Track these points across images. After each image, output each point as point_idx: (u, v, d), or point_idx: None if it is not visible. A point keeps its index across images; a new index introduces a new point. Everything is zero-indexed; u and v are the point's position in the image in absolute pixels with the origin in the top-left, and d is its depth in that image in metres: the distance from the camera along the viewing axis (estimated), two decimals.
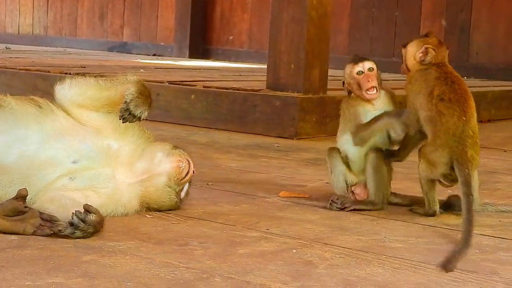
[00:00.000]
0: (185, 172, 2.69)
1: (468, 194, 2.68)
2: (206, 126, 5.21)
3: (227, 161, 3.98)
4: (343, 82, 3.11)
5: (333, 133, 5.12)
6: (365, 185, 3.03)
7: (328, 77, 5.36)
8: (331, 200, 2.97)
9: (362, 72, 3.01)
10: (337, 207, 2.94)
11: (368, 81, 2.99)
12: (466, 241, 2.42)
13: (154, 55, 11.17)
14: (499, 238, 2.65)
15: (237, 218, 2.75)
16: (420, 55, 2.99)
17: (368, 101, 3.01)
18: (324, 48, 5.16)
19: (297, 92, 5.04)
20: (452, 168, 2.81)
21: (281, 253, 2.33)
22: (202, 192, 3.14)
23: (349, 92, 3.10)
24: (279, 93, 5.07)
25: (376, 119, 2.97)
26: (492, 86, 7.63)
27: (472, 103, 2.91)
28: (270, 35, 5.17)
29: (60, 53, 10.17)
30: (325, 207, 2.98)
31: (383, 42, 10.12)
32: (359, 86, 3.01)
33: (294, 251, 2.35)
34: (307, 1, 4.99)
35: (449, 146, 2.82)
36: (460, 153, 2.81)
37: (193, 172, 2.75)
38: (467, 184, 2.73)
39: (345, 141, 3.06)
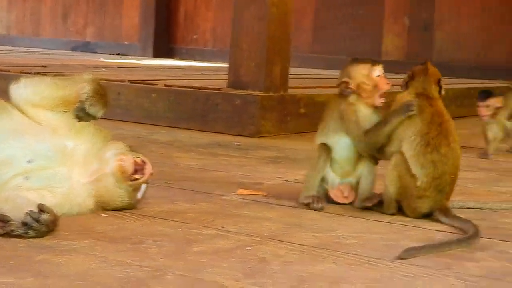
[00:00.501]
0: (129, 171, 2.67)
1: (469, 225, 2.68)
2: (168, 125, 5.20)
3: (187, 159, 3.98)
4: (344, 82, 3.00)
5: (293, 131, 5.18)
6: (351, 186, 3.03)
7: (290, 75, 5.37)
8: (316, 200, 2.95)
9: (379, 75, 2.99)
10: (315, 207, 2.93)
11: (387, 83, 2.98)
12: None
13: (118, 54, 11.13)
14: (454, 234, 2.67)
15: (193, 216, 2.75)
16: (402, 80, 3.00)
17: (371, 104, 2.99)
18: (285, 46, 5.17)
19: (258, 91, 5.05)
20: None
21: (235, 250, 2.33)
22: (160, 191, 3.13)
23: (342, 93, 3.03)
24: (240, 91, 5.07)
25: (384, 121, 2.92)
26: (454, 84, 7.69)
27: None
28: (231, 33, 5.17)
29: (23, 52, 10.11)
30: (282, 205, 2.99)
31: (347, 41, 10.16)
32: (376, 88, 2.97)
33: (249, 248, 2.36)
34: None
35: (434, 200, 2.83)
36: (441, 203, 2.84)
37: (151, 173, 2.73)
38: (456, 219, 2.77)
39: (335, 142, 3.02)
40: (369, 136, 2.92)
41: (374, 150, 2.95)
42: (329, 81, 6.93)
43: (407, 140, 2.84)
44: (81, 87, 2.69)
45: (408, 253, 2.31)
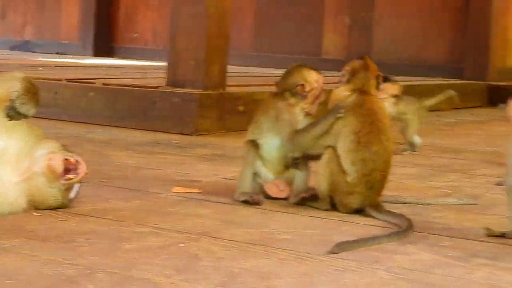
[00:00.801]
0: (59, 171, 2.65)
1: (402, 219, 2.71)
2: (106, 123, 5.17)
3: (123, 158, 3.96)
4: (301, 85, 3.03)
5: (232, 129, 5.19)
6: (286, 181, 3.05)
7: (230, 73, 5.37)
8: (248, 196, 2.96)
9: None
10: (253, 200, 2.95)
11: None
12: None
13: (58, 53, 11.03)
14: (387, 228, 2.70)
15: (127, 214, 2.74)
16: (340, 76, 2.97)
17: (307, 109, 3.03)
18: (223, 44, 5.18)
19: (196, 89, 5.04)
20: None
21: (167, 247, 2.33)
22: (95, 189, 3.12)
23: (277, 93, 3.07)
24: (178, 89, 5.07)
25: (313, 124, 2.96)
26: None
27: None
28: (169, 31, 5.17)
29: None
30: (217, 202, 3.00)
31: (287, 39, 10.20)
32: (318, 95, 3.05)
33: (181, 245, 2.36)
34: None
35: (365, 196, 2.85)
36: (372, 199, 2.87)
37: (85, 173, 2.71)
38: (389, 214, 2.80)
39: (267, 141, 3.04)
40: (298, 136, 2.96)
41: (301, 151, 2.98)
42: (268, 79, 6.96)
43: (341, 136, 2.87)
44: (11, 85, 2.67)
45: (339, 248, 2.33)
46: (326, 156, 2.88)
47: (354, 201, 2.86)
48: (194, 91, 4.99)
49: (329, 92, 3.04)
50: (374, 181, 2.84)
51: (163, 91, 5.06)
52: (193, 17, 5.05)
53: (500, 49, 9.42)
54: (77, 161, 2.70)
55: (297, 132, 2.97)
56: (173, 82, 5.14)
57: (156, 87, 5.14)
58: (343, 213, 2.87)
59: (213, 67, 5.10)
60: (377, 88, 2.98)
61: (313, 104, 3.05)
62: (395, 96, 4.47)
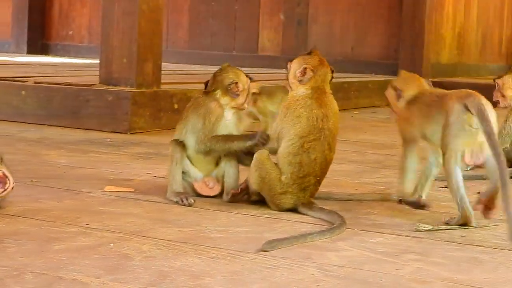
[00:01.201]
0: None
1: (334, 216, 2.73)
2: (38, 122, 5.10)
3: (55, 157, 3.91)
4: (235, 82, 3.05)
5: (167, 127, 5.16)
6: (216, 178, 3.05)
7: (166, 70, 5.34)
8: (184, 197, 2.95)
9: None
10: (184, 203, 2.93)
11: None
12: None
13: None
14: (318, 225, 2.71)
15: (58, 214, 2.71)
16: (298, 74, 2.91)
17: (238, 109, 3.06)
18: (157, 41, 5.14)
19: (130, 87, 5.01)
20: None
21: (98, 247, 2.31)
22: (26, 189, 3.08)
23: (208, 92, 3.09)
24: (112, 87, 5.03)
25: (232, 139, 3.00)
26: None
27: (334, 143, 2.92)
28: (102, 29, 5.12)
29: None
30: (149, 200, 2.98)
31: (223, 36, 10.19)
32: (247, 96, 3.11)
33: (112, 245, 2.34)
34: None
35: (297, 196, 2.86)
36: (305, 200, 2.88)
37: (12, 188, 2.68)
38: (321, 211, 2.81)
39: (190, 139, 3.04)
40: (213, 142, 2.97)
41: (207, 153, 3.00)
42: (204, 76, 6.94)
43: (287, 137, 2.87)
44: None
45: (270, 245, 2.34)
46: (257, 158, 2.89)
47: (287, 201, 2.86)
48: (128, 89, 4.95)
49: (280, 88, 3.05)
50: (308, 184, 2.86)
51: (97, 89, 5.01)
52: (125, 15, 5.00)
53: (434, 45, 9.54)
54: (4, 174, 2.66)
55: (213, 137, 2.97)
56: (106, 80, 5.10)
57: (90, 85, 5.09)
58: (275, 211, 2.88)
59: (147, 64, 5.07)
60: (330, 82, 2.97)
61: (244, 104, 3.06)
62: (254, 93, 4.44)
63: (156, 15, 5.09)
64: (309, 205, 2.86)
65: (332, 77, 2.97)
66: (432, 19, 9.31)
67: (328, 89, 2.94)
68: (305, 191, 2.86)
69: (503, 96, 4.04)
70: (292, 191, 2.85)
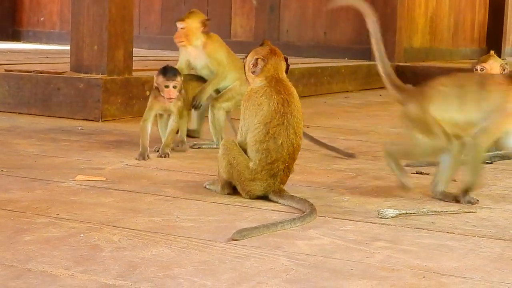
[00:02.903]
0: None
1: (305, 204, 2.74)
2: (9, 110, 5.07)
3: (26, 146, 3.89)
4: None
5: (139, 114, 5.12)
6: None
7: (138, 57, 5.31)
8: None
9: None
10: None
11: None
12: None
13: None
14: (289, 213, 2.71)
15: (27, 204, 2.69)
16: (251, 66, 2.93)
17: None
18: (128, 28, 5.11)
19: (101, 74, 4.98)
20: None
21: (67, 238, 2.30)
22: None
23: None
24: (83, 75, 4.99)
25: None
26: (301, 63, 7.80)
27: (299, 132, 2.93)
28: (71, 16, 5.08)
29: None
30: (120, 189, 2.97)
31: None
32: None
33: (82, 235, 2.33)
34: None
35: (267, 183, 2.86)
36: (275, 187, 2.88)
37: None
38: (292, 199, 2.81)
39: None
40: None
41: None
42: (174, 63, 6.91)
43: (252, 126, 2.88)
44: None
45: (240, 234, 2.34)
46: (224, 146, 2.91)
47: (257, 188, 2.87)
48: (99, 77, 4.92)
49: None
50: (277, 170, 2.86)
51: (68, 77, 4.98)
52: (96, 2, 4.97)
53: (406, 30, 9.56)
54: None
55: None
56: (77, 67, 5.06)
57: (61, 73, 5.05)
58: (247, 199, 2.88)
59: (118, 51, 5.04)
60: (286, 71, 2.98)
61: None
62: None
63: (126, 1, 5.06)
64: (280, 192, 2.86)
65: (288, 65, 2.99)
66: (404, 3, 9.33)
67: (283, 76, 2.95)
68: (275, 178, 2.87)
69: None
70: (261, 177, 2.86)
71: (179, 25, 4.09)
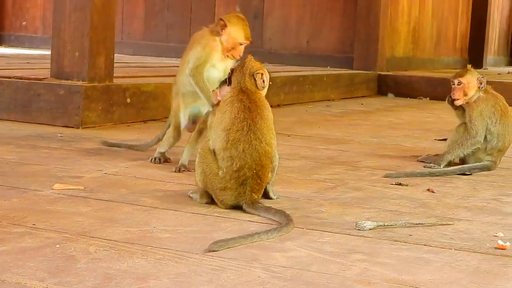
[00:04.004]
0: None
1: (281, 215, 2.74)
2: None
3: (4, 153, 3.86)
4: None
5: (120, 121, 5.13)
6: None
7: (120, 63, 5.30)
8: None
9: None
10: None
11: None
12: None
13: None
14: (267, 224, 2.70)
15: (3, 213, 2.67)
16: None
17: None
18: (109, 35, 5.10)
19: (82, 81, 4.96)
20: None
21: (43, 248, 2.28)
22: None
23: None
24: (63, 81, 4.98)
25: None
26: (283, 71, 7.81)
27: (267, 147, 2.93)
28: (53, 22, 5.06)
29: None
30: (98, 199, 2.95)
31: (179, 28, 10.15)
32: None
33: (58, 246, 2.31)
34: None
35: (238, 191, 2.87)
36: (246, 196, 2.87)
37: None
38: (269, 211, 2.80)
39: None
40: None
41: None
42: (157, 69, 6.91)
43: (216, 135, 2.92)
44: None
45: (217, 245, 2.33)
46: (199, 154, 2.95)
47: (228, 197, 2.87)
48: (80, 83, 4.91)
49: None
50: (245, 177, 2.86)
51: (48, 83, 4.95)
52: (77, 8, 4.95)
53: (388, 40, 9.59)
54: None
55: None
56: (58, 74, 5.04)
57: (41, 79, 5.03)
58: (224, 209, 2.88)
59: (99, 58, 5.02)
60: (257, 85, 2.99)
61: None
62: None
63: (108, 8, 5.05)
64: (253, 204, 2.85)
65: (258, 80, 3.00)
66: (387, 13, 9.36)
67: (252, 89, 2.98)
68: (244, 186, 2.87)
69: (465, 95, 4.07)
70: (231, 186, 2.87)
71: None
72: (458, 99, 4.06)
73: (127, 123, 5.19)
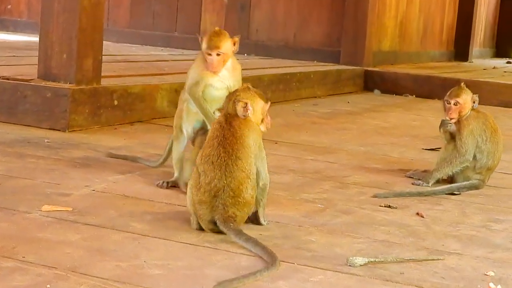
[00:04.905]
0: None
1: (248, 240, 2.78)
2: None
3: None
4: None
5: (107, 124, 5.10)
6: None
7: (104, 56, 5.23)
8: None
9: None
10: None
11: None
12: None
13: None
14: (258, 257, 2.69)
15: None
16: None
17: None
18: (97, 37, 5.05)
19: (69, 83, 4.92)
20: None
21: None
22: None
23: None
24: (50, 83, 4.93)
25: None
26: (270, 68, 7.78)
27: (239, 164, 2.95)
28: (41, 24, 5.00)
29: None
30: (87, 223, 2.93)
31: (166, 17, 10.09)
32: None
33: (48, 286, 2.29)
34: None
35: (212, 205, 2.91)
36: (218, 210, 2.91)
37: None
38: (240, 236, 2.82)
39: None
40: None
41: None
42: (143, 66, 6.86)
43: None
44: None
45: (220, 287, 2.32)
46: (191, 174, 3.06)
47: (204, 211, 2.92)
48: (67, 86, 4.86)
49: None
50: (216, 189, 2.91)
51: (35, 85, 4.91)
52: (66, 10, 4.90)
53: (376, 34, 9.57)
54: None
55: None
56: (45, 75, 5.00)
57: (28, 80, 4.99)
58: (207, 230, 2.90)
59: (87, 61, 4.98)
60: (239, 112, 3.02)
61: None
62: None
63: (97, 10, 5.00)
64: (227, 221, 2.88)
65: (238, 108, 3.04)
66: (374, 8, 9.34)
67: (234, 113, 3.04)
68: (217, 199, 2.91)
69: (460, 114, 4.07)
70: (205, 199, 2.92)
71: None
72: (454, 119, 4.06)
73: (114, 126, 5.16)
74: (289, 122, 6.04)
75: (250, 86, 3.10)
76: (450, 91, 4.13)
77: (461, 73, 9.61)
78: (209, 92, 3.60)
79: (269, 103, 3.14)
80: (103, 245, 2.71)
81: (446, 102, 4.09)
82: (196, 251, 2.73)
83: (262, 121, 3.12)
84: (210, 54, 3.53)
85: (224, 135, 2.96)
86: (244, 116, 3.01)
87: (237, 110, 3.01)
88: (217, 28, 3.64)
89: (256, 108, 3.06)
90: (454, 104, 4.05)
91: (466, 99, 4.06)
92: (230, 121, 3.00)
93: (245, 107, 3.01)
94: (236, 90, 3.10)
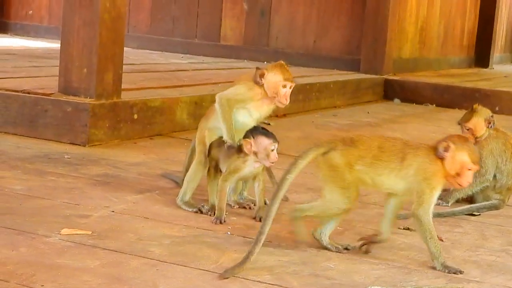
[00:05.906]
0: None
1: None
2: None
3: (11, 181, 3.84)
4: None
5: (126, 138, 5.11)
6: None
7: (127, 65, 5.23)
8: None
9: None
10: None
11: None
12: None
13: None
14: (275, 285, 2.69)
15: (12, 269, 2.65)
16: None
17: None
18: (118, 51, 5.06)
19: (89, 97, 4.93)
20: None
21: None
22: None
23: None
24: (71, 97, 4.94)
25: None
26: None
27: None
28: (61, 38, 5.01)
29: None
30: (105, 248, 2.94)
31: (185, 22, 10.10)
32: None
33: None
34: (100, 4, 4.86)
35: None
36: None
37: None
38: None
39: None
40: None
41: None
42: (164, 75, 6.87)
43: None
44: None
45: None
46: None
47: None
48: (88, 101, 4.88)
49: None
50: None
51: (55, 99, 4.93)
52: (86, 24, 4.91)
53: (396, 41, 9.54)
54: None
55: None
56: (65, 89, 5.01)
57: (49, 94, 5.00)
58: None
59: (107, 74, 4.99)
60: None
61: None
62: None
63: (117, 24, 5.00)
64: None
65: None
66: (395, 14, 9.30)
67: None
68: None
69: (475, 137, 4.04)
70: None
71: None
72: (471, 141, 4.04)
73: (134, 139, 5.17)
74: (308, 135, 6.02)
75: None
76: (464, 114, 4.12)
77: (481, 82, 9.57)
78: (244, 116, 3.58)
79: None
80: (122, 273, 2.72)
81: (460, 125, 4.09)
82: (213, 279, 2.73)
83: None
84: (285, 86, 3.55)
85: None
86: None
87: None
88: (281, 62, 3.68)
89: None
90: (467, 129, 4.04)
91: (478, 122, 4.04)
92: None
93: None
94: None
